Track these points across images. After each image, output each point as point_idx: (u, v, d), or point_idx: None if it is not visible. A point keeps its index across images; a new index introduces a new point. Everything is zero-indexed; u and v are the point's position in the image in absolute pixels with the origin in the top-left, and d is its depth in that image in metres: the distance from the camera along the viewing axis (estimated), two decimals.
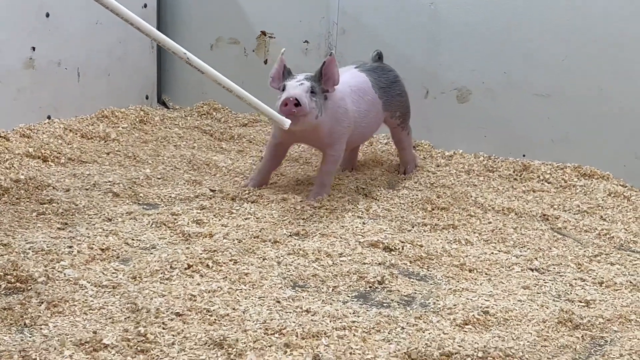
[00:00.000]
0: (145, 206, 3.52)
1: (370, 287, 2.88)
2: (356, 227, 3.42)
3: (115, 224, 3.27)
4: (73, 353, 2.27)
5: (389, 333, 2.52)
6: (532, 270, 3.12)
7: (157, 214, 3.40)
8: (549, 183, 4.24)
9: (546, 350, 2.48)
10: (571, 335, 2.58)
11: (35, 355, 2.24)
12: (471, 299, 2.78)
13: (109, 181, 3.72)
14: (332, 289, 2.83)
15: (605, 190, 4.10)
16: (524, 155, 4.53)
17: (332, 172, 3.79)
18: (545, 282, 3.00)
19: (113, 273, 2.81)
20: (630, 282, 3.03)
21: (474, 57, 4.63)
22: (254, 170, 3.84)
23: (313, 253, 3.10)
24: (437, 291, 2.86)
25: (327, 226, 3.41)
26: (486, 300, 2.79)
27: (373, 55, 4.13)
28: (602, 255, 3.29)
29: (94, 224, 3.23)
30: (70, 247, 2.97)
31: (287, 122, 3.29)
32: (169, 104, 5.36)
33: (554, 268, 3.15)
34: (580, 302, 2.85)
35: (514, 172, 4.37)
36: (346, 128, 3.74)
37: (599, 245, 3.40)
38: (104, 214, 3.35)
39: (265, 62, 5.13)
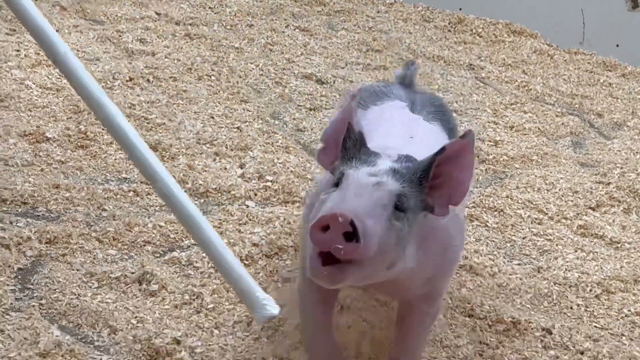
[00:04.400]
0: (91, 22, 3.64)
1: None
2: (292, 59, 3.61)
3: (61, 35, 3.37)
4: (17, 142, 2.46)
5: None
6: None
7: (103, 29, 3.53)
8: (480, 37, 4.43)
9: None
10: (476, 168, 2.82)
11: None
12: None
13: None
14: (261, 107, 3.03)
15: (531, 47, 4.31)
16: (460, 9, 4.70)
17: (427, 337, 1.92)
18: (461, 123, 3.23)
19: (58, 78, 2.96)
20: (539, 129, 3.28)
21: None
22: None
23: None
24: None
25: None
26: None
27: (403, 71, 2.13)
28: (518, 104, 3.53)
29: None
30: (18, 50, 3.10)
31: (273, 310, 1.63)
32: None
33: (471, 111, 3.38)
34: (490, 141, 3.09)
35: (449, 24, 4.54)
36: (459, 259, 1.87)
37: (517, 95, 3.63)
38: (52, 25, 3.45)
39: None
